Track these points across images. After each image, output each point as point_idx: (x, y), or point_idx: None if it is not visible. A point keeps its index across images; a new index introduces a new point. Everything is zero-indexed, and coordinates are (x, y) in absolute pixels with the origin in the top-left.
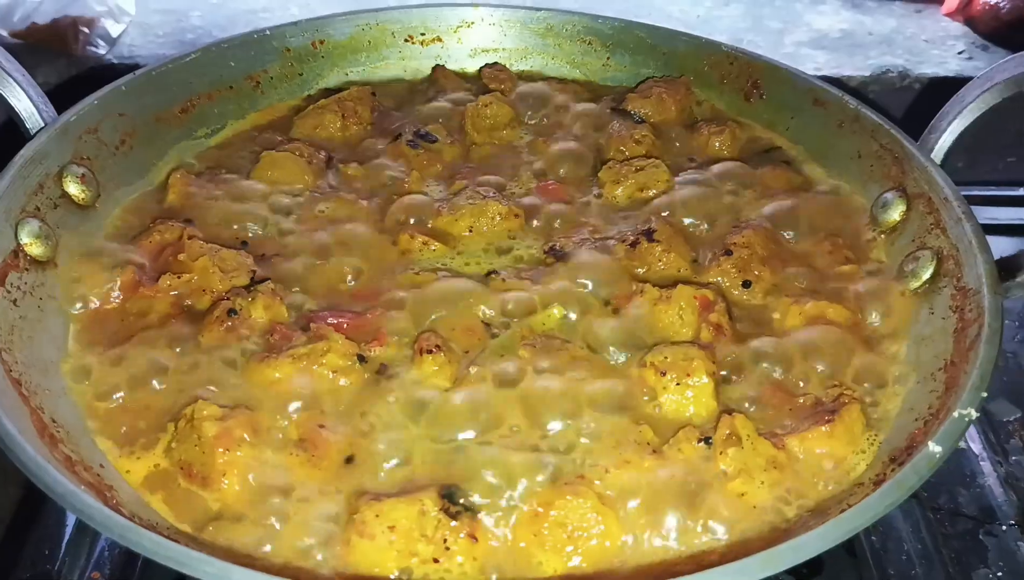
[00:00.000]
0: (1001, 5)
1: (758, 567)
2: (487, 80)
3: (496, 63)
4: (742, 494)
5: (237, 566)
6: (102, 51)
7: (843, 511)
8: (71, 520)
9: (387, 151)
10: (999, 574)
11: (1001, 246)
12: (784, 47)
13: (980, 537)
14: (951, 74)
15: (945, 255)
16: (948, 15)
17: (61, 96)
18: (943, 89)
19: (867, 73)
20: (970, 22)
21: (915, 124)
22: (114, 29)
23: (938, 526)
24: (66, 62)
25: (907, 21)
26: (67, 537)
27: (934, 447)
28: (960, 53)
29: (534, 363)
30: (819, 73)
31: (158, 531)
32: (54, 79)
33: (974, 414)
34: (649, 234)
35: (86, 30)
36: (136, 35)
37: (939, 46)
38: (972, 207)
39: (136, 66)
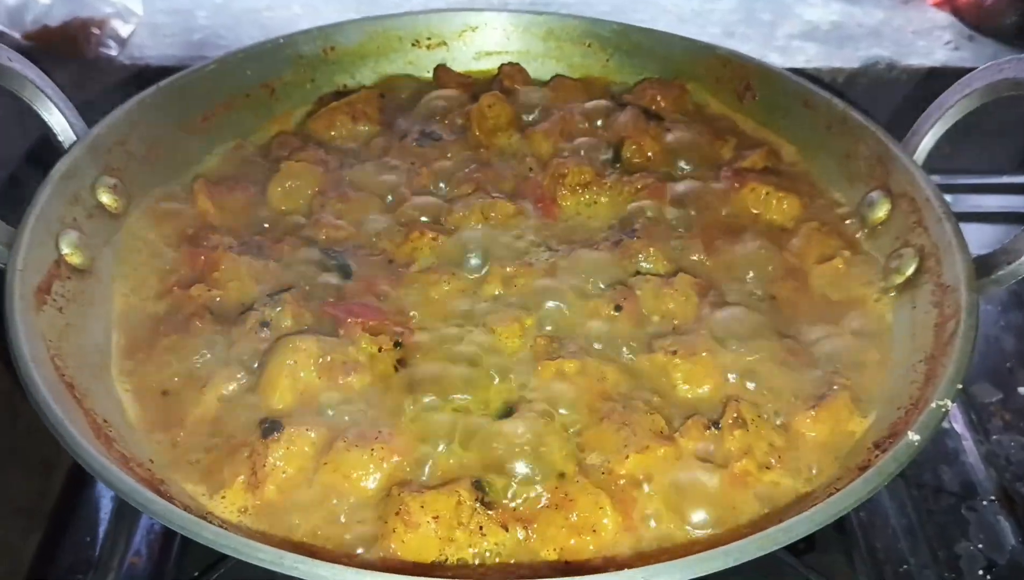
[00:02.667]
0: None
1: (753, 548)
2: (503, 77)
3: (515, 63)
4: (746, 474)
5: (289, 552)
6: (113, 52)
7: (830, 495)
8: (108, 510)
9: (395, 150)
10: (979, 547)
11: (984, 233)
12: (775, 39)
13: (962, 512)
14: (938, 64)
15: (927, 253)
16: (935, 6)
17: (74, 97)
18: (931, 79)
19: (856, 65)
20: (957, 12)
21: (903, 116)
22: (123, 30)
23: (922, 502)
24: (78, 64)
25: (895, 12)
26: (106, 525)
27: (913, 436)
28: (947, 43)
29: (548, 354)
30: (809, 65)
31: (210, 521)
32: (66, 80)
33: (950, 405)
34: (634, 233)
35: (96, 31)
36: (145, 36)
37: (926, 37)
38: (956, 196)
39: (146, 66)
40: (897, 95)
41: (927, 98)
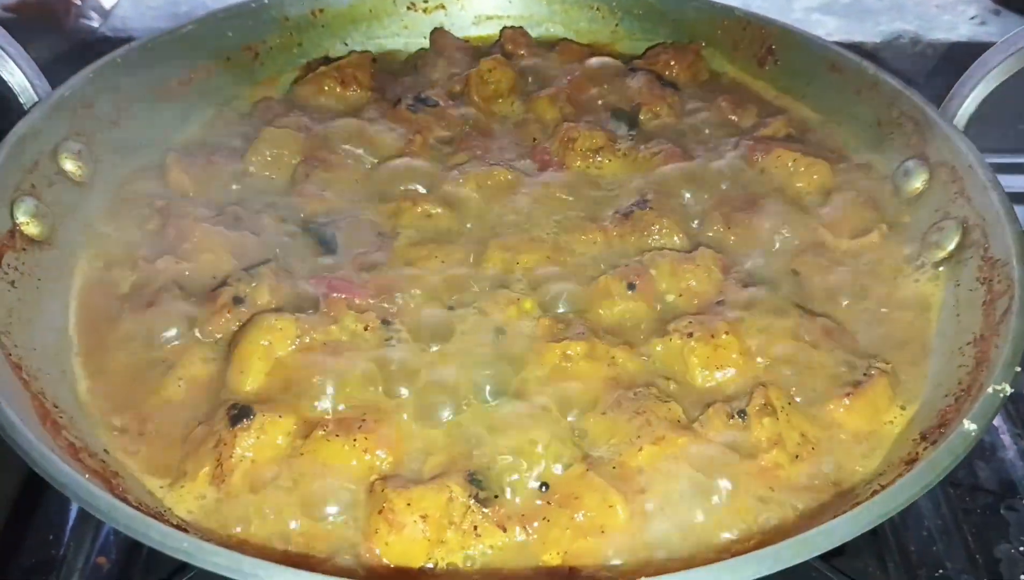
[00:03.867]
0: None
1: (790, 554)
2: (505, 41)
3: (517, 26)
4: (776, 467)
5: (247, 556)
6: (95, 24)
7: (875, 493)
8: (75, 505)
9: (388, 117)
10: (1021, 549)
11: (1019, 215)
12: (793, 11)
13: (1001, 512)
14: (963, 39)
15: (971, 225)
16: None
17: (55, 71)
18: (955, 55)
19: (878, 39)
20: None
21: (928, 90)
22: (106, 1)
23: (958, 501)
24: (58, 37)
25: None
26: (71, 522)
27: (969, 425)
28: (972, 18)
29: (553, 336)
30: (829, 39)
31: (165, 520)
32: (47, 54)
33: (1008, 389)
34: (646, 204)
35: (78, 3)
36: (128, 7)
37: (950, 11)
38: None
39: (130, 39)
40: (921, 70)
41: (952, 73)
